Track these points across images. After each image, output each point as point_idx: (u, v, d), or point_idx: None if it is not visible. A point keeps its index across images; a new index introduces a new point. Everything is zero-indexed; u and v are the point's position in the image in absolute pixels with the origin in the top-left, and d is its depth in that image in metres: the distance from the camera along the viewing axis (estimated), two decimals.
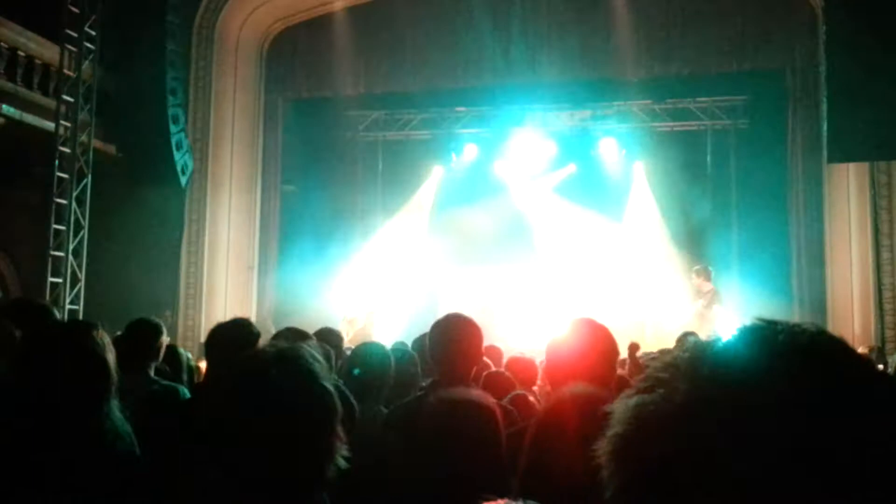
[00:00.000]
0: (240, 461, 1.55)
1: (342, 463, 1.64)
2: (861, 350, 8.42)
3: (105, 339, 2.20)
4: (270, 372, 1.63)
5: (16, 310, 3.40)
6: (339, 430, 1.65)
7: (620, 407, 0.72)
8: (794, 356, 0.68)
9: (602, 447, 0.72)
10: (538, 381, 4.92)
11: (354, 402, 3.34)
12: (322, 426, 1.61)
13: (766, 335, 0.70)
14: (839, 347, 0.71)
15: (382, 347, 4.03)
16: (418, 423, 2.28)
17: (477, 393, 2.36)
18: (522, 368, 5.01)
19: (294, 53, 14.02)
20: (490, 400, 2.34)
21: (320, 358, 1.71)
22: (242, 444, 1.55)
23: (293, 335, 3.79)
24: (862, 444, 0.63)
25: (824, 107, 10.11)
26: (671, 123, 14.11)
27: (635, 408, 0.70)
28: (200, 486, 1.66)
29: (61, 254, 10.74)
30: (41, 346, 2.20)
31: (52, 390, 2.05)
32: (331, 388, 1.66)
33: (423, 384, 3.91)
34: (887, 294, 11.03)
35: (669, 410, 0.68)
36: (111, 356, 2.15)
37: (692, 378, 0.68)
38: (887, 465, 0.63)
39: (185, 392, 3.94)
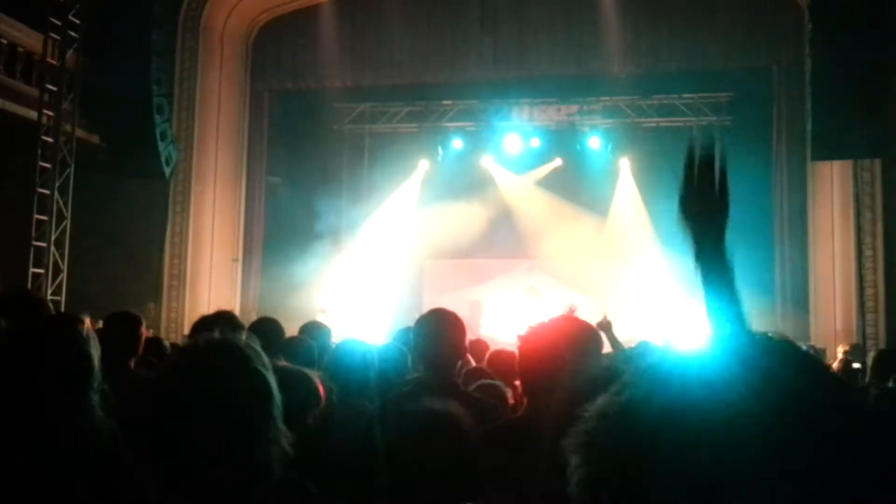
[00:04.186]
0: (178, 449, 1.58)
1: (287, 449, 1.67)
2: (841, 348, 8.49)
3: (90, 333, 2.18)
4: (203, 361, 1.68)
5: (9, 302, 3.36)
6: (277, 415, 1.68)
7: (593, 406, 0.76)
8: (752, 365, 0.72)
9: (570, 442, 0.76)
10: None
11: (335, 398, 3.34)
12: (254, 410, 1.64)
13: (732, 343, 0.77)
14: (799, 362, 0.74)
15: (363, 344, 4.02)
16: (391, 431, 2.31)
17: (447, 406, 2.35)
18: (505, 362, 4.99)
19: (280, 45, 13.95)
20: (458, 411, 2.33)
21: (256, 347, 1.75)
22: (179, 432, 1.59)
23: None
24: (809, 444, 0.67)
25: (809, 105, 10.17)
26: (657, 119, 14.16)
27: (602, 406, 0.75)
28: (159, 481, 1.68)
29: (43, 244, 10.66)
30: (24, 338, 2.18)
31: (33, 384, 2.04)
32: (266, 374, 1.68)
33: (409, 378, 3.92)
34: (869, 291, 11.13)
35: (630, 408, 0.72)
36: (95, 351, 2.13)
37: (653, 381, 0.73)
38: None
39: None
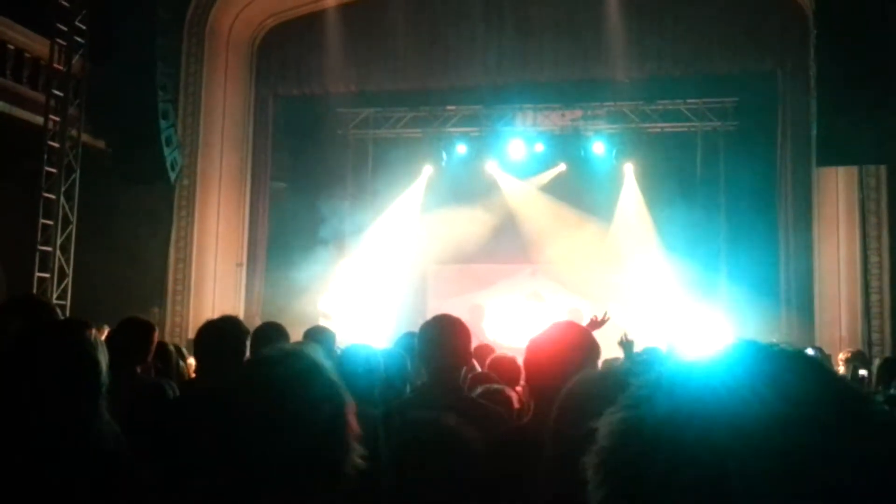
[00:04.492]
0: (255, 461, 1.55)
1: (360, 463, 1.64)
2: (842, 355, 8.45)
3: (97, 338, 2.19)
4: (280, 371, 1.65)
5: (18, 307, 3.37)
6: (354, 423, 1.66)
7: (606, 421, 0.74)
8: (774, 378, 0.70)
9: (588, 460, 0.74)
10: (521, 382, 4.92)
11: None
12: (335, 420, 1.63)
13: (748, 356, 0.73)
14: (818, 375, 0.73)
15: (368, 349, 4.02)
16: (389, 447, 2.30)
17: (450, 420, 2.33)
18: (505, 367, 5.00)
19: (285, 50, 13.98)
20: (462, 427, 2.31)
21: (322, 355, 1.74)
22: (258, 443, 1.56)
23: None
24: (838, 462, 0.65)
25: (814, 109, 10.14)
26: (661, 124, 14.15)
27: (620, 423, 0.73)
28: (201, 487, 1.66)
29: (49, 248, 10.68)
30: (30, 341, 2.19)
31: (39, 389, 2.04)
32: (340, 383, 1.68)
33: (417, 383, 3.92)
34: (874, 297, 11.10)
35: (650, 427, 0.70)
36: (103, 357, 2.14)
37: (672, 396, 0.71)
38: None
39: (174, 388, 3.92)
